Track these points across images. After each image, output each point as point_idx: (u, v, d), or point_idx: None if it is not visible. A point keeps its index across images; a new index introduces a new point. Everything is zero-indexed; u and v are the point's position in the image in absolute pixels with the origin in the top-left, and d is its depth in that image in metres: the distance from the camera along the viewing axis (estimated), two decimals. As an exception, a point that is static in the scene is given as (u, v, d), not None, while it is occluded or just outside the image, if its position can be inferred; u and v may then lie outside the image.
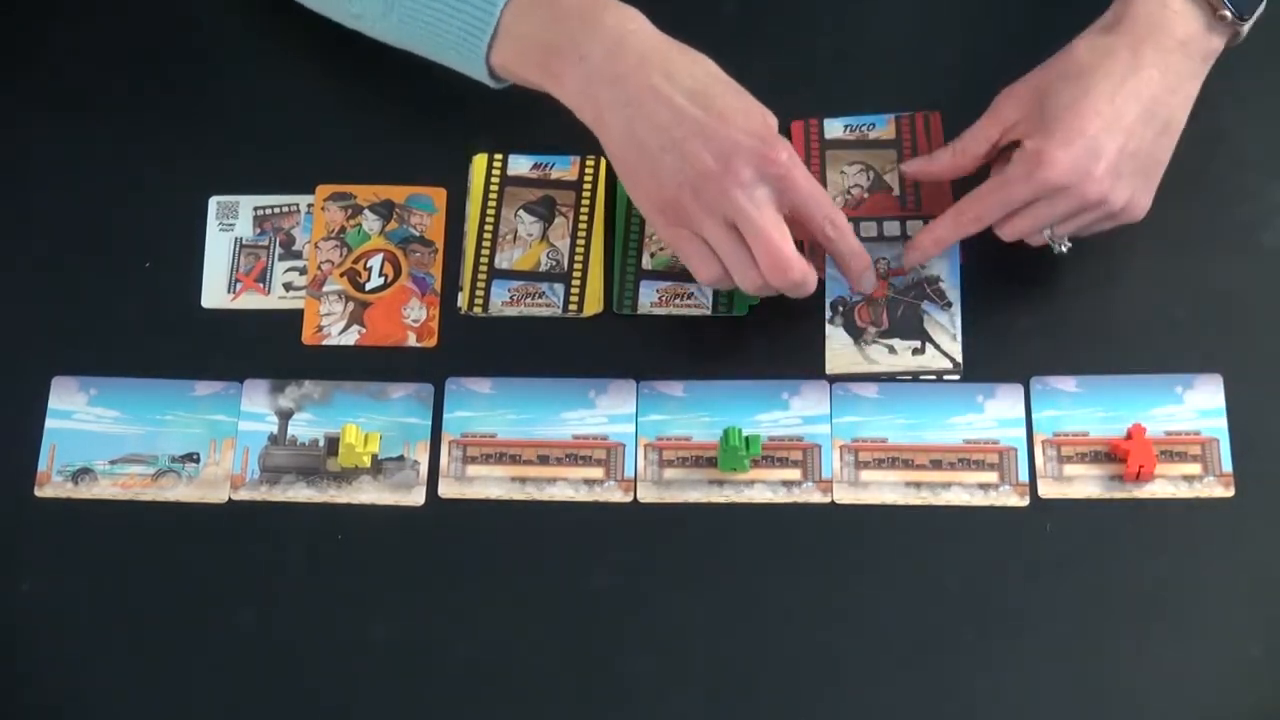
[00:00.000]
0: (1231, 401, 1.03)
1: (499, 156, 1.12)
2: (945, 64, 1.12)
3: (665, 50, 0.99)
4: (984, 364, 1.05)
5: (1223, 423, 1.03)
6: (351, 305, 1.09)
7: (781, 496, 1.03)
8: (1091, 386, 1.04)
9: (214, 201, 1.12)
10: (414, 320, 1.08)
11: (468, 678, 1.00)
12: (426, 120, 1.12)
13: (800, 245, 1.01)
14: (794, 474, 1.04)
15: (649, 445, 1.05)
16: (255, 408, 1.07)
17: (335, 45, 1.12)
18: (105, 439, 1.06)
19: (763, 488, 1.03)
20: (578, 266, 1.09)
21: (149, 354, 1.08)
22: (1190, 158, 1.06)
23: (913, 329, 1.06)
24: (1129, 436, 1.02)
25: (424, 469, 1.05)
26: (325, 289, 1.09)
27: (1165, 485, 1.02)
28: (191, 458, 1.06)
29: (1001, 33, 1.11)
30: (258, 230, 1.11)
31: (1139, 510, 1.02)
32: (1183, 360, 1.05)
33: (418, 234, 1.11)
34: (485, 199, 1.11)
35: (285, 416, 1.06)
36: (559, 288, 1.08)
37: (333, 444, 1.05)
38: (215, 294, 1.10)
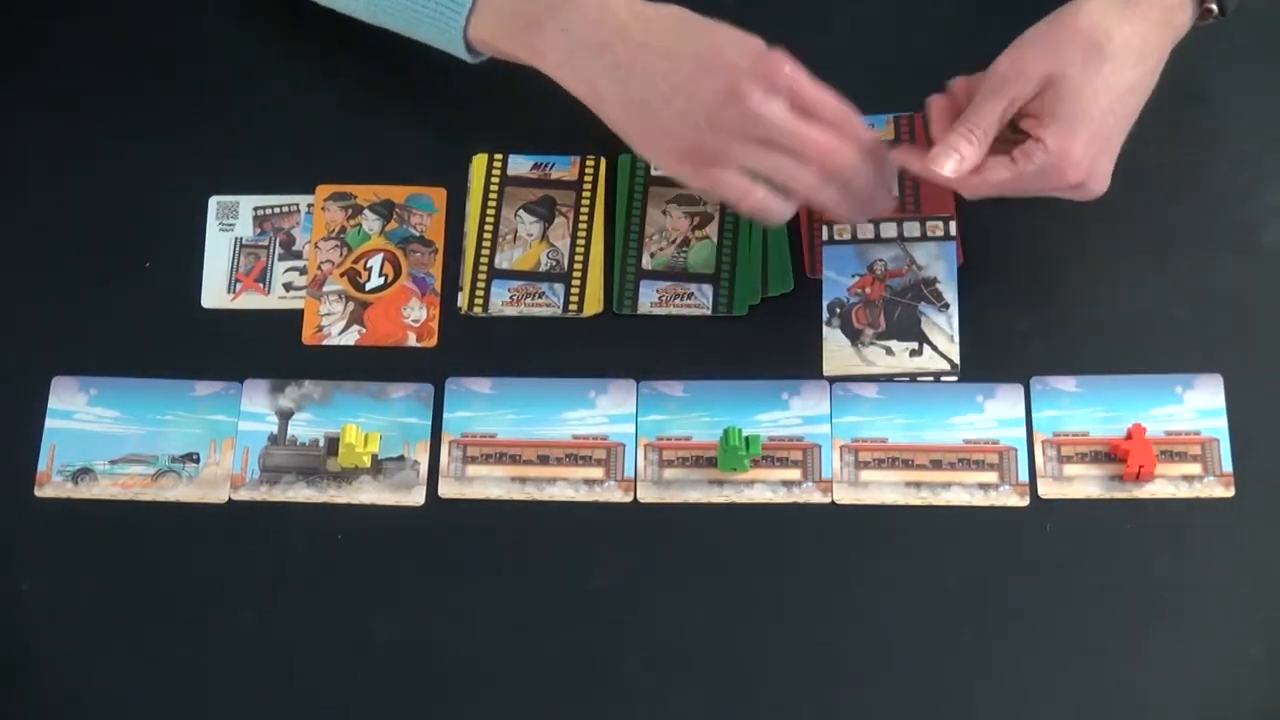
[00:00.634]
0: (1231, 401, 1.03)
1: (499, 156, 1.12)
2: (945, 64, 1.12)
3: (641, 10, 0.99)
4: (984, 364, 1.05)
5: (1223, 423, 1.03)
6: (351, 305, 1.09)
7: (781, 496, 1.03)
8: (1091, 386, 1.04)
9: (214, 201, 1.12)
10: (414, 320, 1.08)
11: (468, 678, 1.00)
12: (426, 120, 1.12)
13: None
14: (794, 474, 1.04)
15: (649, 445, 1.05)
16: (255, 408, 1.07)
17: (335, 45, 1.12)
18: (105, 439, 1.06)
19: (763, 488, 1.03)
20: (578, 266, 1.09)
21: (149, 354, 1.08)
22: (1190, 158, 1.07)
23: (910, 331, 1.06)
24: (1129, 436, 1.02)
25: (424, 469, 1.05)
26: (325, 289, 1.09)
27: (1165, 485, 1.02)
28: (191, 458, 1.06)
29: (1001, 33, 1.10)
30: (258, 230, 1.11)
31: (1139, 510, 1.02)
32: (1183, 360, 1.05)
33: (418, 234, 1.11)
34: (485, 199, 1.11)
35: (285, 416, 1.06)
36: (559, 288, 1.08)
37: (333, 444, 1.05)
38: (215, 294, 1.10)
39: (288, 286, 1.10)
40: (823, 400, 1.05)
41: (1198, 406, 1.03)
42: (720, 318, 1.07)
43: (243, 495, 1.05)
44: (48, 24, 1.17)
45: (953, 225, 1.08)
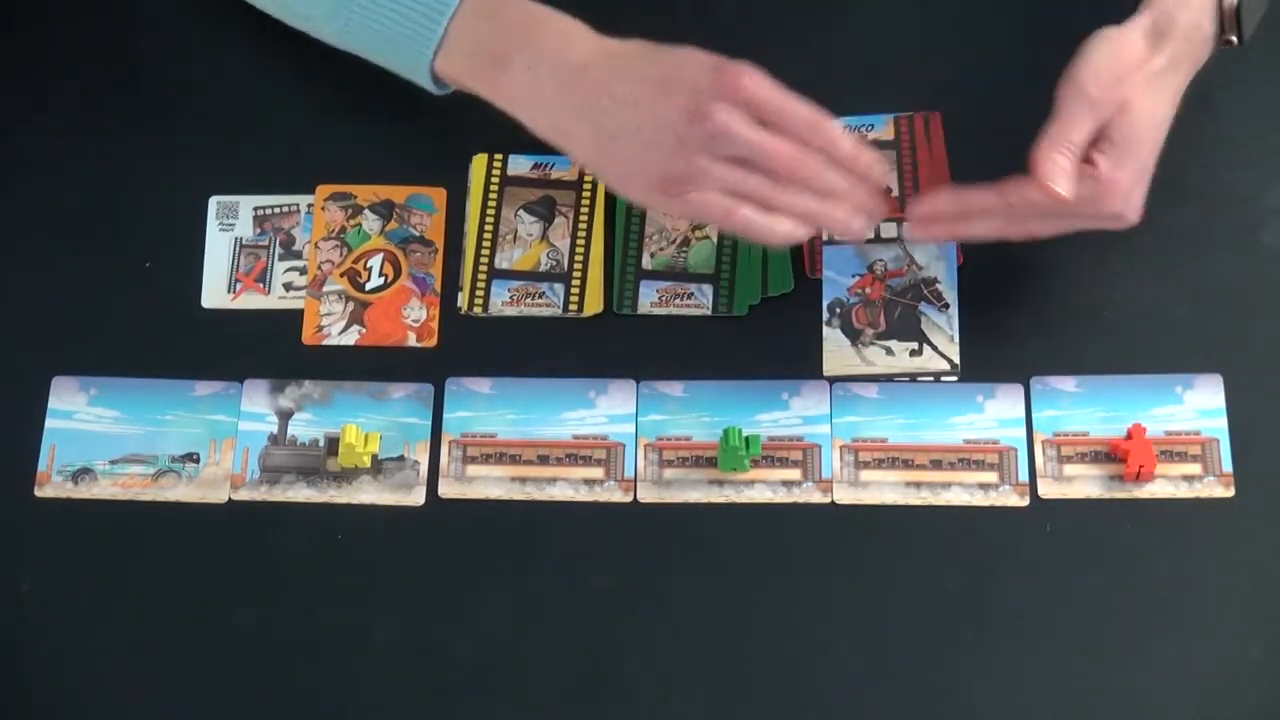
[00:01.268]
0: (1231, 401, 1.03)
1: (499, 156, 1.12)
2: (945, 64, 1.12)
3: (605, 47, 1.00)
4: (984, 364, 1.05)
5: (1223, 423, 1.03)
6: (351, 305, 1.09)
7: (781, 496, 1.03)
8: (1091, 386, 1.04)
9: (214, 201, 1.12)
10: (414, 320, 1.08)
11: (468, 678, 1.00)
12: (426, 120, 1.12)
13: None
14: (794, 474, 1.04)
15: (649, 445, 1.05)
16: (255, 408, 1.07)
17: (336, 46, 1.12)
18: (105, 439, 1.06)
19: (763, 488, 1.03)
20: (578, 266, 1.09)
21: (149, 354, 1.08)
22: (1190, 158, 1.07)
23: (910, 331, 1.06)
24: (1129, 436, 1.02)
25: (424, 469, 1.05)
26: (325, 289, 1.09)
27: (1165, 485, 1.02)
28: (191, 458, 1.06)
29: (1001, 33, 1.11)
30: (258, 230, 1.11)
31: (1139, 510, 1.02)
32: (1183, 360, 1.05)
33: (418, 234, 1.11)
34: (485, 199, 1.11)
35: (285, 416, 1.06)
36: (559, 288, 1.08)
37: (333, 444, 1.05)
38: (215, 294, 1.10)
39: (288, 286, 1.10)
40: (823, 400, 1.05)
41: (1198, 406, 1.03)
42: (720, 318, 1.07)
43: (243, 495, 1.05)
44: (48, 24, 1.17)
45: (953, 225, 1.08)
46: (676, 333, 1.07)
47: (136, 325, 1.09)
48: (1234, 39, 1.00)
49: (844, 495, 1.03)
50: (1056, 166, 0.96)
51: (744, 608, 1.01)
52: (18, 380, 1.08)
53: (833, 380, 1.05)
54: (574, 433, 1.05)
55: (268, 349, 1.08)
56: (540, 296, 1.08)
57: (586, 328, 1.08)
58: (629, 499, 1.04)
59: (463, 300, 1.09)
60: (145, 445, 1.06)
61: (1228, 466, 1.02)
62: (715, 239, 1.09)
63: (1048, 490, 1.02)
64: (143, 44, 1.17)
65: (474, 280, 1.09)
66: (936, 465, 1.03)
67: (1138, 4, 1.00)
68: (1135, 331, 1.06)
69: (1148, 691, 0.98)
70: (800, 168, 0.97)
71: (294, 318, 1.09)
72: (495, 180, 1.11)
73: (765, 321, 1.06)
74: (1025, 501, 1.02)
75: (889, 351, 1.06)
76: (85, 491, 1.05)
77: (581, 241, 1.09)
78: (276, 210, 1.12)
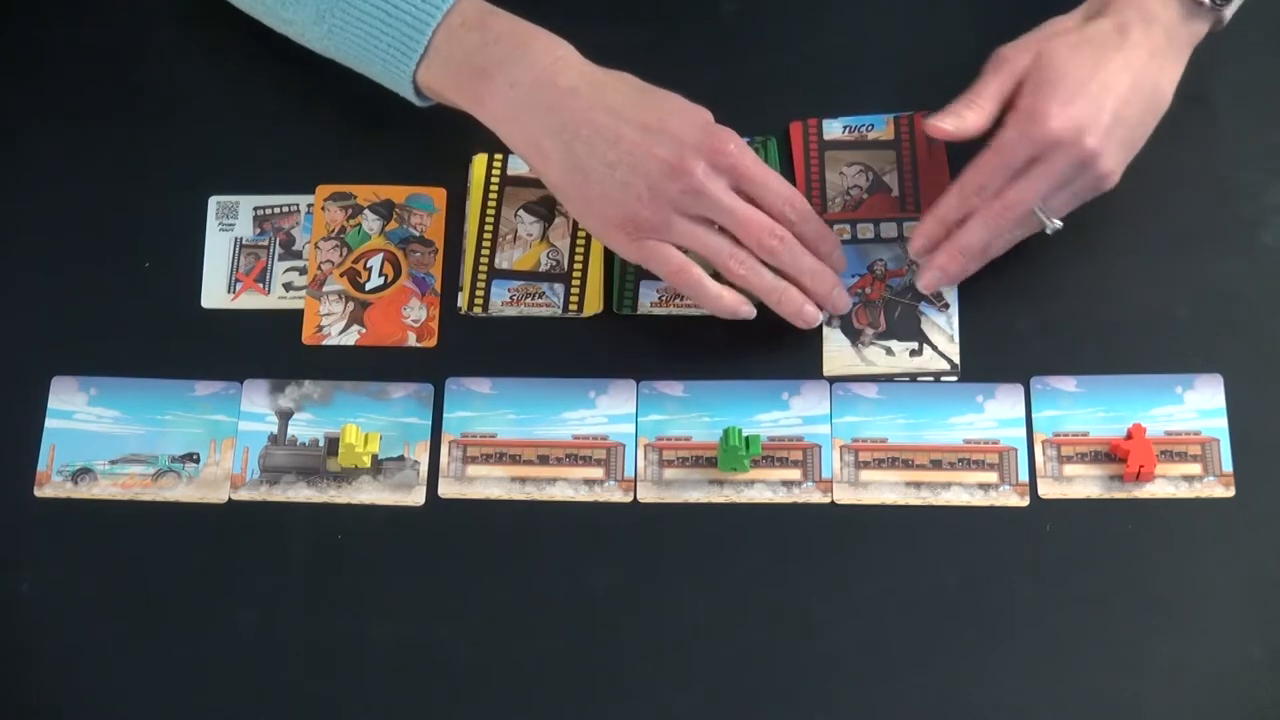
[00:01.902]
0: (1231, 401, 1.03)
1: (499, 156, 1.12)
2: (945, 64, 1.12)
3: (592, 74, 1.00)
4: (984, 364, 1.05)
5: (1223, 423, 1.03)
6: (351, 305, 1.09)
7: (781, 496, 1.03)
8: (1091, 386, 1.04)
9: (214, 201, 1.12)
10: (414, 320, 1.08)
11: (468, 678, 1.00)
12: (426, 120, 1.12)
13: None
14: (794, 474, 1.04)
15: (649, 445, 1.05)
16: (255, 408, 1.07)
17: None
18: (105, 439, 1.06)
19: (763, 488, 1.03)
20: (578, 266, 1.09)
21: (149, 354, 1.08)
22: (1190, 158, 1.07)
23: (910, 331, 1.06)
24: (1129, 436, 1.02)
25: (424, 469, 1.05)
26: (325, 289, 1.09)
27: (1165, 485, 1.02)
28: (191, 458, 1.06)
29: (1001, 33, 1.10)
30: (258, 230, 1.11)
31: (1139, 510, 1.02)
32: (1183, 360, 1.05)
33: (418, 234, 1.11)
34: (485, 199, 1.11)
35: (285, 416, 1.06)
36: (559, 288, 1.08)
37: (333, 444, 1.05)
38: (215, 294, 1.10)
39: (288, 286, 1.10)
40: (823, 400, 1.05)
41: (1198, 406, 1.03)
42: (720, 318, 1.07)
43: (243, 495, 1.05)
44: (48, 24, 1.17)
45: (953, 225, 1.08)
46: (676, 333, 1.07)
47: (136, 325, 1.09)
48: (1205, 1, 1.01)
49: (844, 495, 1.03)
50: (948, 111, 1.00)
51: (744, 608, 1.01)
52: (18, 380, 1.08)
53: (833, 380, 1.05)
54: (574, 433, 1.05)
55: (268, 349, 1.08)
56: (540, 296, 1.08)
57: (586, 328, 1.08)
58: (629, 499, 1.04)
59: (463, 300, 1.09)
60: (145, 445, 1.06)
61: (1228, 466, 1.02)
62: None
63: (1048, 490, 1.02)
64: (142, 44, 1.17)
65: (474, 280, 1.09)
66: (936, 465, 1.03)
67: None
68: (1135, 331, 1.06)
69: (1148, 691, 0.98)
70: (768, 239, 0.99)
71: (294, 318, 1.09)
72: (495, 180, 1.11)
73: (765, 322, 1.06)
74: (1025, 501, 1.02)
75: (889, 351, 1.06)
76: (85, 491, 1.05)
77: (581, 241, 1.09)
78: (276, 210, 1.12)
